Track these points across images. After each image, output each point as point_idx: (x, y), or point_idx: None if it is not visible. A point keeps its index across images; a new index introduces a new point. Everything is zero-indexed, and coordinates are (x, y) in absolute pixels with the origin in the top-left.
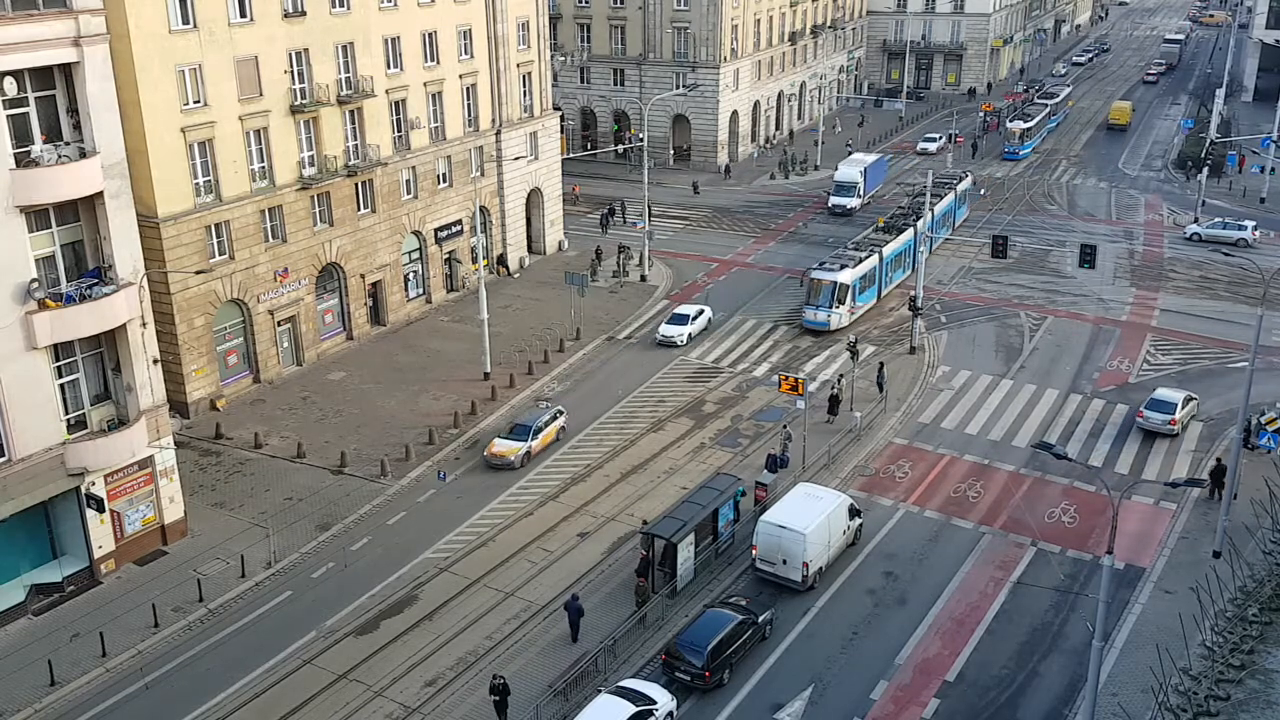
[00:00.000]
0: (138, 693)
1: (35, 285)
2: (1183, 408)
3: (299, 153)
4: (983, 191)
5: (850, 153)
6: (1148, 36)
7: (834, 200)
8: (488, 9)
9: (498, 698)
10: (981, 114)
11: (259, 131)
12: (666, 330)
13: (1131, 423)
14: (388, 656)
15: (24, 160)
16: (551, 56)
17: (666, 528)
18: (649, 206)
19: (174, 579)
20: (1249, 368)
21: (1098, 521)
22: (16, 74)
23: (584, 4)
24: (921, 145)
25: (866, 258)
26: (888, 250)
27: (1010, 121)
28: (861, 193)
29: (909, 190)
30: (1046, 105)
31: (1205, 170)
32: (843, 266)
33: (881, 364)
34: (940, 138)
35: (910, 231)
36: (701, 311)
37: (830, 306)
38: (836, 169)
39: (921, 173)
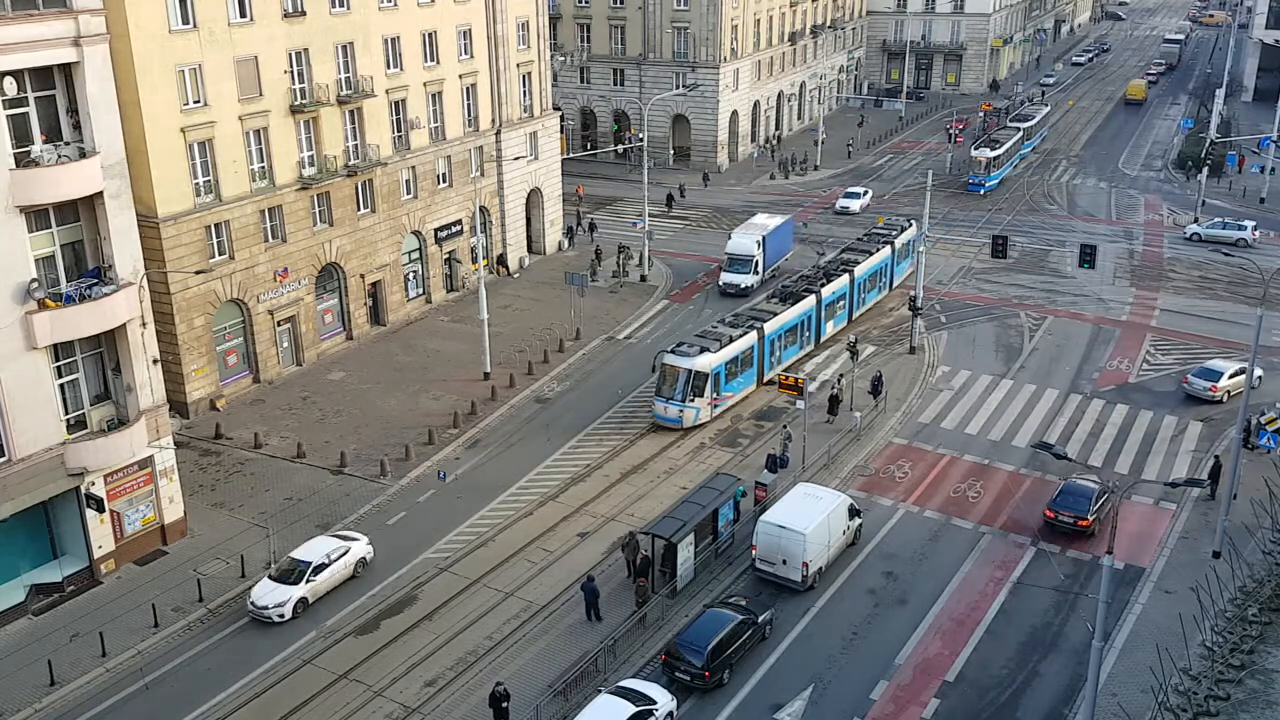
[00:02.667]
0: (138, 693)
1: (35, 285)
2: (1228, 378)
3: (299, 153)
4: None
5: (754, 215)
6: (1148, 36)
7: (725, 278)
8: (488, 9)
9: (496, 708)
10: (981, 114)
11: (259, 131)
12: (844, 203)
13: (1132, 422)
14: (388, 656)
15: (24, 160)
16: (551, 56)
17: (666, 528)
18: (681, 189)
19: (174, 579)
20: (1249, 367)
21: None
22: (16, 74)
23: (584, 4)
24: (841, 203)
25: (740, 336)
26: (774, 325)
27: (975, 149)
28: (760, 267)
29: (821, 249)
30: (1018, 129)
31: (1205, 170)
32: (704, 349)
33: (879, 372)
34: (864, 193)
35: (811, 300)
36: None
37: (684, 400)
38: (730, 237)
39: (836, 230)
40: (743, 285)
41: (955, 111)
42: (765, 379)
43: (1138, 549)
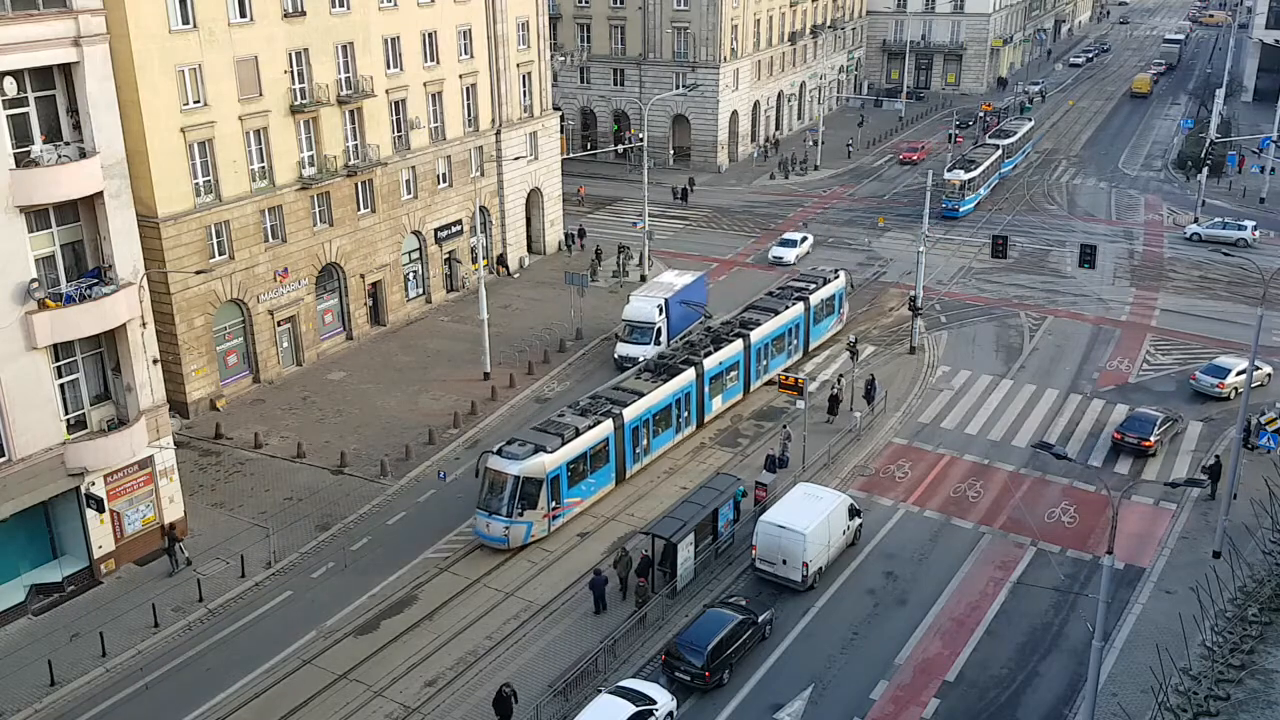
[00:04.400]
0: (138, 693)
1: (35, 285)
2: (1235, 375)
3: (299, 153)
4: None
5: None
6: (1147, 37)
7: (621, 350)
8: (488, 9)
9: (503, 709)
10: (981, 114)
11: (259, 131)
12: (778, 252)
13: None
14: (388, 656)
15: (24, 160)
16: (551, 56)
17: (666, 528)
18: (691, 183)
19: (174, 579)
20: (1249, 367)
21: (1098, 521)
22: (16, 74)
23: (584, 4)
24: (775, 252)
25: (589, 427)
26: (637, 410)
27: (948, 171)
28: (663, 335)
29: (714, 313)
30: (997, 147)
31: (1205, 170)
32: (538, 448)
33: (872, 376)
34: (802, 239)
35: (690, 373)
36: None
37: (510, 513)
38: (629, 300)
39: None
40: (642, 358)
41: (955, 112)
42: (627, 475)
43: (1138, 549)
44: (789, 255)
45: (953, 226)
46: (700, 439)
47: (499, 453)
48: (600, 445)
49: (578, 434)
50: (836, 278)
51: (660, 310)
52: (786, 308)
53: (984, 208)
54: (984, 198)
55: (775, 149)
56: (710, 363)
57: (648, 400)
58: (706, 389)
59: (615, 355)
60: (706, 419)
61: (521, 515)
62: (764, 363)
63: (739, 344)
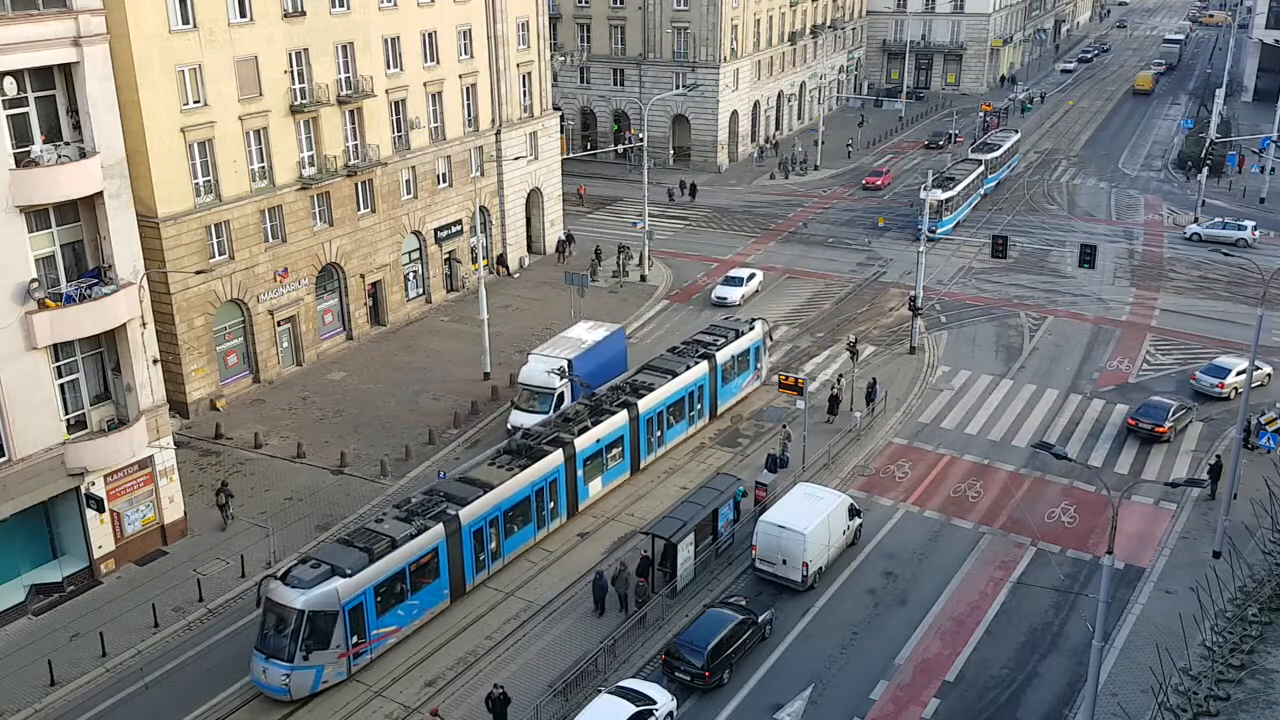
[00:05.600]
0: (138, 693)
1: (35, 285)
2: (1235, 375)
3: (299, 153)
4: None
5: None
6: (1148, 37)
7: (515, 419)
8: (488, 9)
9: (496, 711)
10: (982, 114)
11: (259, 131)
12: (721, 291)
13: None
14: (388, 657)
15: (24, 160)
16: (551, 56)
17: (666, 528)
18: (693, 185)
19: (174, 579)
20: (1249, 367)
21: (1098, 521)
22: (16, 74)
23: (584, 4)
24: (718, 292)
25: (407, 538)
26: (479, 509)
27: (925, 190)
28: (566, 401)
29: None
30: (979, 163)
31: (1205, 170)
32: (333, 571)
33: (874, 379)
34: (749, 276)
35: (556, 455)
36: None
37: (294, 656)
38: (527, 360)
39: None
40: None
41: (954, 113)
42: (468, 588)
43: (1138, 549)
44: (733, 295)
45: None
46: (574, 530)
47: (283, 578)
48: (427, 557)
49: (393, 546)
50: (752, 329)
51: (562, 373)
52: (687, 368)
53: (963, 226)
54: (964, 218)
55: (774, 150)
56: (584, 441)
57: (496, 495)
58: (580, 473)
59: (508, 425)
60: (581, 507)
61: (308, 658)
62: (658, 434)
63: (623, 416)
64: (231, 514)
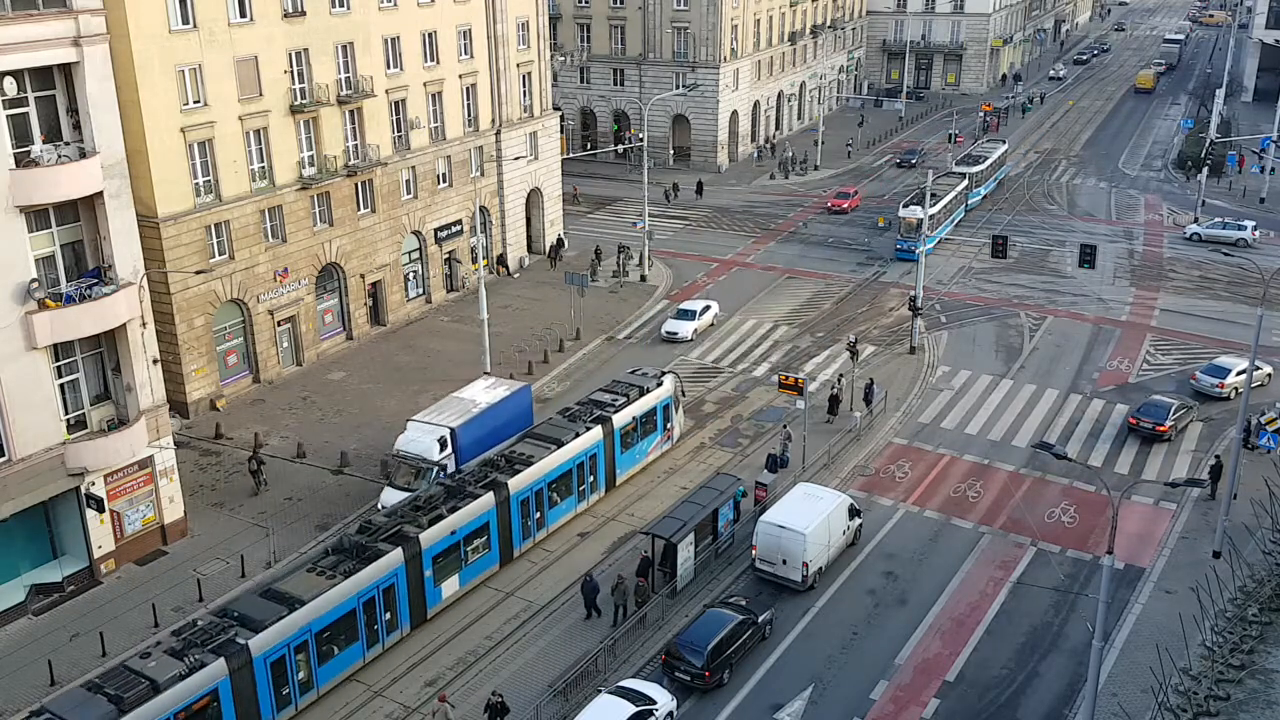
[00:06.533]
0: None
1: (35, 285)
2: (1235, 375)
3: (299, 153)
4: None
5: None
6: (1148, 36)
7: (387, 497)
8: (488, 9)
9: (493, 718)
10: (982, 114)
11: (259, 131)
12: (672, 326)
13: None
14: (388, 657)
15: (24, 160)
16: (551, 56)
17: (666, 528)
18: (700, 184)
19: (174, 579)
20: (1249, 367)
21: (1098, 521)
22: (16, 74)
23: (584, 4)
24: (669, 327)
25: (176, 678)
26: (277, 632)
27: (904, 207)
28: (443, 474)
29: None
30: (963, 176)
31: (1205, 170)
32: None
33: (871, 380)
34: (703, 308)
35: (393, 556)
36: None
37: None
38: (405, 427)
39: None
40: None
41: (955, 113)
42: None
43: (1138, 549)
44: (684, 330)
45: (957, 228)
46: (418, 642)
47: (63, 697)
48: (202, 701)
49: (155, 692)
50: (661, 384)
51: (443, 444)
52: (576, 435)
53: (946, 242)
54: (945, 235)
55: (774, 151)
56: (434, 535)
57: (304, 614)
58: (429, 573)
59: (379, 504)
60: (430, 614)
61: None
62: (536, 516)
63: (487, 499)
64: (265, 480)
